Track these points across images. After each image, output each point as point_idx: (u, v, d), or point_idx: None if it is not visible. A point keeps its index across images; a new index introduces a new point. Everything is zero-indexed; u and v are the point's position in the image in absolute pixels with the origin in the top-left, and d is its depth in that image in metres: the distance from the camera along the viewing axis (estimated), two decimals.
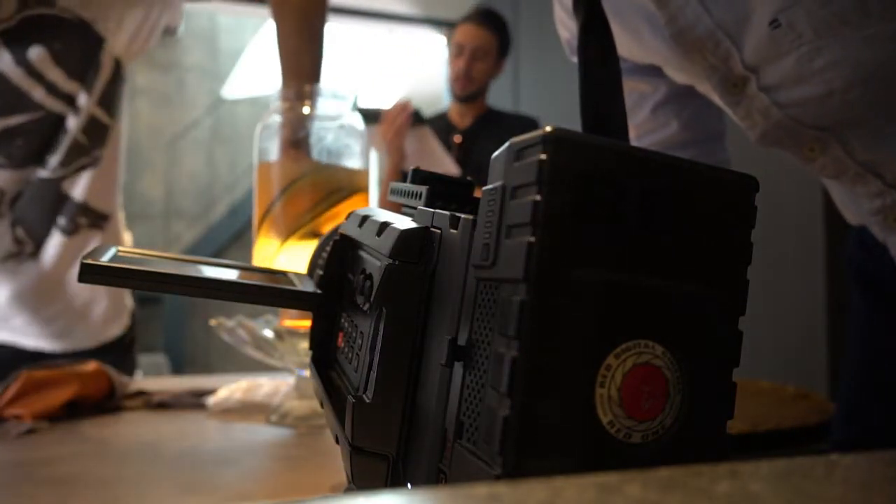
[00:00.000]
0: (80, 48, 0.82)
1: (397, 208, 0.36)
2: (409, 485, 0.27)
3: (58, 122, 0.82)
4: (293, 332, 0.63)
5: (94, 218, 0.87)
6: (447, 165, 1.68)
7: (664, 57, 0.58)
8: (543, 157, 0.21)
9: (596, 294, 0.21)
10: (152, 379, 0.96)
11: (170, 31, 0.96)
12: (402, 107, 1.68)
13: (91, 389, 0.67)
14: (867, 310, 0.75)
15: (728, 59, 0.50)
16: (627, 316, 0.22)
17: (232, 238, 6.28)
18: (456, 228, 0.26)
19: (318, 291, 0.38)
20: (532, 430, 0.20)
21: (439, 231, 0.27)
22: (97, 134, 0.86)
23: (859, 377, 0.76)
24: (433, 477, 0.25)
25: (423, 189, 0.31)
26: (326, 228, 0.64)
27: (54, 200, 0.84)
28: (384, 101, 2.69)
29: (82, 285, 0.86)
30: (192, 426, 0.64)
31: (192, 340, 5.98)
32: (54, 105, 0.81)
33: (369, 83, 6.23)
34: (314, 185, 0.68)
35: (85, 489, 0.45)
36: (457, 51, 1.90)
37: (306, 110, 0.70)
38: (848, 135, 0.51)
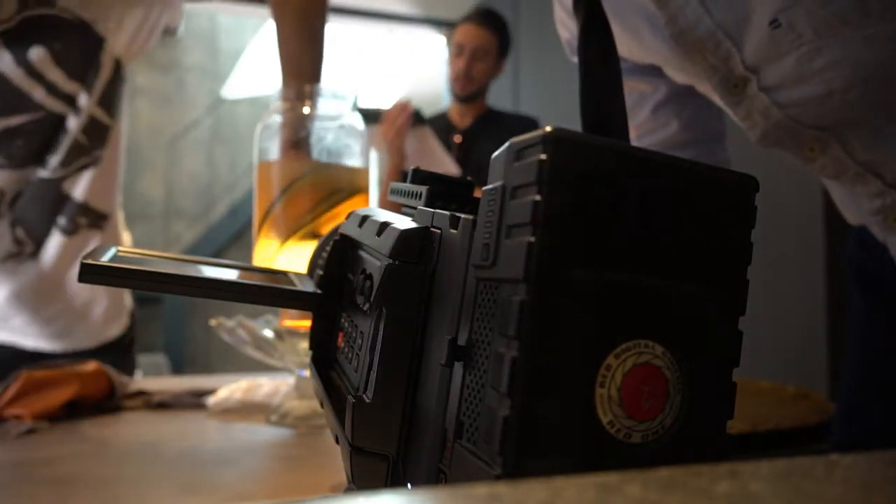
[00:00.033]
0: (81, 48, 0.82)
1: (397, 208, 0.36)
2: (409, 485, 0.27)
3: (58, 123, 0.82)
4: (293, 332, 0.63)
5: (93, 218, 0.87)
6: (447, 165, 1.68)
7: (664, 57, 0.58)
8: (543, 157, 0.21)
9: (596, 294, 0.21)
10: (152, 379, 0.96)
11: (170, 32, 0.96)
12: (403, 107, 1.68)
13: (91, 389, 0.67)
14: (867, 310, 0.75)
15: (728, 60, 0.50)
16: (627, 316, 0.22)
17: (232, 238, 6.28)
18: (456, 228, 0.26)
19: (318, 291, 0.38)
20: (532, 430, 0.20)
21: (439, 231, 0.27)
22: (97, 134, 0.86)
23: (859, 377, 0.76)
24: (433, 477, 0.25)
25: (423, 189, 0.31)
26: (326, 229, 0.64)
27: (54, 200, 0.84)
28: (384, 101, 2.69)
29: (82, 285, 0.86)
30: (192, 426, 0.64)
31: (192, 340, 5.98)
32: (55, 105, 0.81)
33: (369, 83, 6.23)
34: (314, 185, 0.68)
35: (85, 489, 0.45)
36: (457, 51, 1.90)
37: (306, 110, 0.70)
38: (848, 135, 0.51)
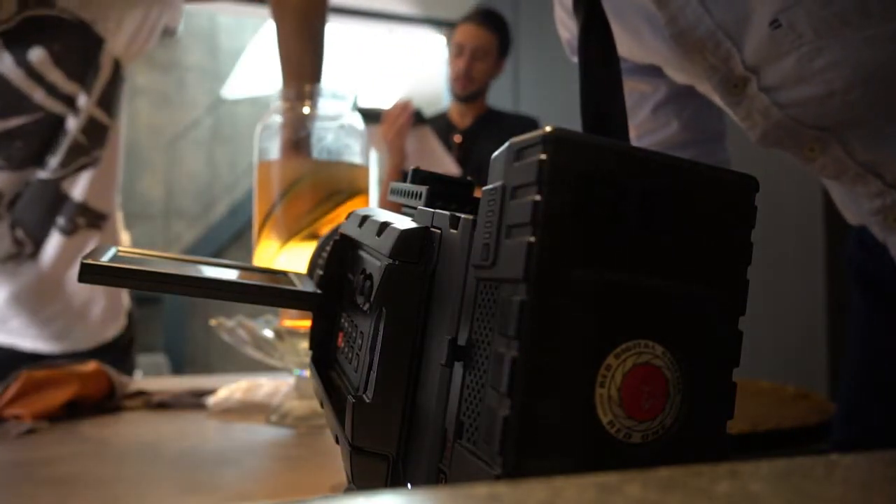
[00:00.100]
0: (80, 49, 0.82)
1: (397, 208, 0.36)
2: (409, 485, 0.27)
3: (57, 124, 0.82)
4: (293, 332, 0.63)
5: (92, 218, 0.87)
6: (448, 165, 1.68)
7: (664, 57, 0.58)
8: (543, 157, 0.21)
9: (596, 294, 0.21)
10: (152, 379, 0.96)
11: (169, 32, 0.96)
12: (403, 107, 1.68)
13: (91, 389, 0.67)
14: (867, 310, 0.75)
15: (728, 60, 0.50)
16: (627, 316, 0.22)
17: (232, 238, 6.28)
18: (456, 228, 0.26)
19: (318, 291, 0.38)
20: (532, 430, 0.20)
21: (439, 231, 0.27)
22: (96, 134, 0.86)
23: (859, 377, 0.76)
24: (433, 477, 0.25)
25: (423, 189, 0.31)
26: (326, 230, 0.64)
27: (53, 201, 0.84)
28: (384, 101, 2.69)
29: (81, 285, 0.86)
30: (192, 426, 0.64)
31: (192, 340, 5.98)
32: (54, 106, 0.81)
33: (369, 83, 6.23)
34: (314, 186, 0.68)
35: (85, 489, 0.45)
36: (457, 51, 1.90)
37: (306, 110, 0.70)
38: (848, 135, 0.51)
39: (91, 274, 0.33)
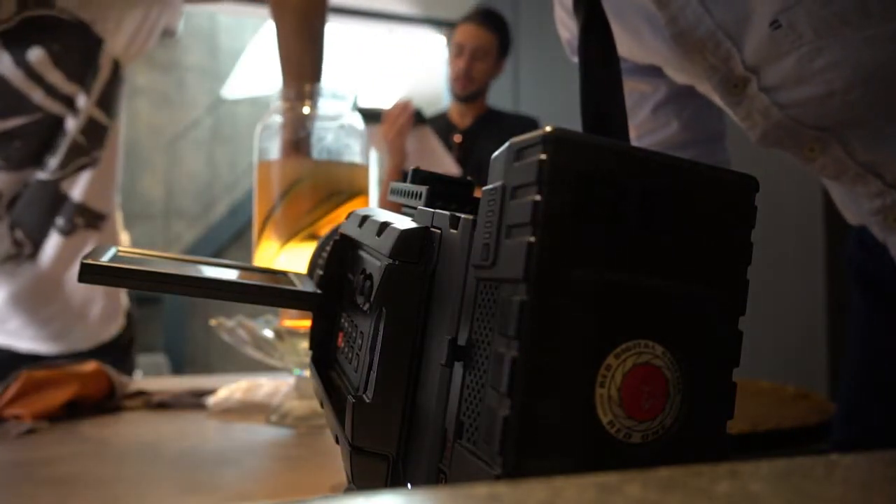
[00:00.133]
0: (79, 49, 0.82)
1: (397, 208, 0.36)
2: (409, 485, 0.27)
3: (56, 124, 0.82)
4: (293, 332, 0.63)
5: (91, 218, 0.87)
6: (448, 165, 1.68)
7: (664, 57, 0.58)
8: (543, 157, 0.21)
9: (596, 294, 0.21)
10: (152, 379, 0.96)
11: (169, 33, 0.96)
12: (404, 106, 1.68)
13: (91, 389, 0.67)
14: (867, 310, 0.75)
15: (729, 60, 0.50)
16: (627, 316, 0.22)
17: (232, 238, 6.28)
18: (456, 228, 0.26)
19: (318, 291, 0.38)
20: (532, 430, 0.20)
21: (439, 231, 0.27)
22: (96, 135, 0.86)
23: (859, 377, 0.76)
24: (433, 477, 0.25)
25: (423, 189, 0.31)
26: (326, 231, 0.64)
27: (53, 201, 0.84)
28: (384, 101, 2.69)
29: (79, 286, 0.86)
30: (192, 426, 0.64)
31: (192, 340, 5.98)
32: (53, 107, 0.81)
33: (369, 83, 6.23)
34: (315, 186, 0.68)
35: (85, 489, 0.45)
36: (457, 51, 1.90)
37: (306, 110, 0.70)
38: (848, 135, 0.51)
39: (91, 274, 0.33)
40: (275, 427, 0.62)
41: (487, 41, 1.90)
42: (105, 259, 0.34)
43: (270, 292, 0.37)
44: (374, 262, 0.30)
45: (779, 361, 1.89)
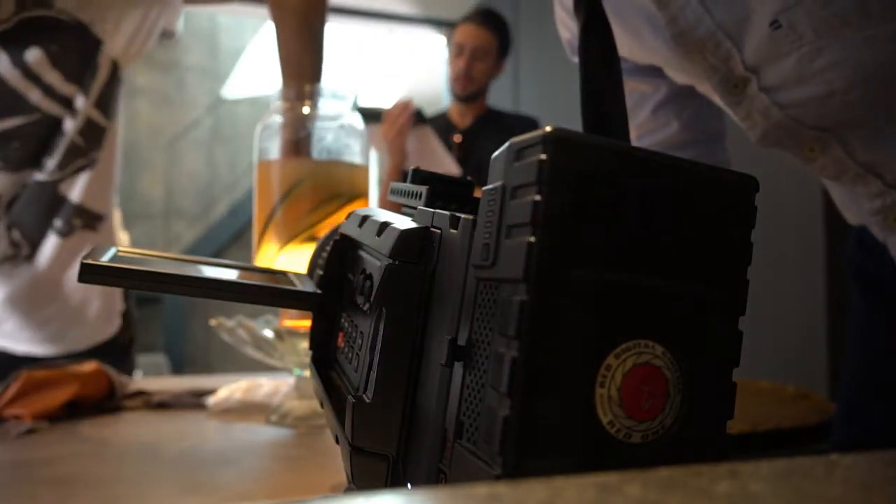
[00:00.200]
0: (78, 50, 0.82)
1: (397, 208, 0.36)
2: (409, 485, 0.27)
3: (55, 125, 0.82)
4: (293, 332, 0.63)
5: (88, 219, 0.87)
6: (448, 165, 1.68)
7: (665, 57, 0.58)
8: (543, 157, 0.21)
9: (596, 294, 0.21)
10: (152, 379, 0.96)
11: (168, 35, 0.96)
12: (404, 106, 1.68)
13: (91, 389, 0.67)
14: (867, 310, 0.75)
15: (729, 60, 0.50)
16: (627, 316, 0.22)
17: (232, 238, 6.28)
18: (456, 228, 0.26)
19: (318, 291, 0.38)
20: (532, 430, 0.20)
21: (439, 231, 0.27)
22: (94, 136, 0.85)
23: (859, 377, 0.76)
24: (433, 477, 0.25)
25: (423, 189, 0.31)
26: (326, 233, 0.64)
27: (51, 203, 0.84)
28: (384, 101, 2.69)
29: (77, 287, 0.86)
30: (192, 426, 0.64)
31: (192, 340, 5.98)
32: (51, 107, 0.81)
33: (369, 83, 6.23)
34: (315, 187, 0.68)
35: (85, 489, 0.45)
36: (457, 51, 1.90)
37: (306, 110, 0.70)
38: (848, 135, 0.51)
39: (91, 274, 0.33)
40: (275, 427, 0.62)
41: (487, 41, 1.90)
42: (105, 259, 0.34)
43: (270, 292, 0.37)
44: (374, 262, 0.30)
45: (779, 361, 1.89)
